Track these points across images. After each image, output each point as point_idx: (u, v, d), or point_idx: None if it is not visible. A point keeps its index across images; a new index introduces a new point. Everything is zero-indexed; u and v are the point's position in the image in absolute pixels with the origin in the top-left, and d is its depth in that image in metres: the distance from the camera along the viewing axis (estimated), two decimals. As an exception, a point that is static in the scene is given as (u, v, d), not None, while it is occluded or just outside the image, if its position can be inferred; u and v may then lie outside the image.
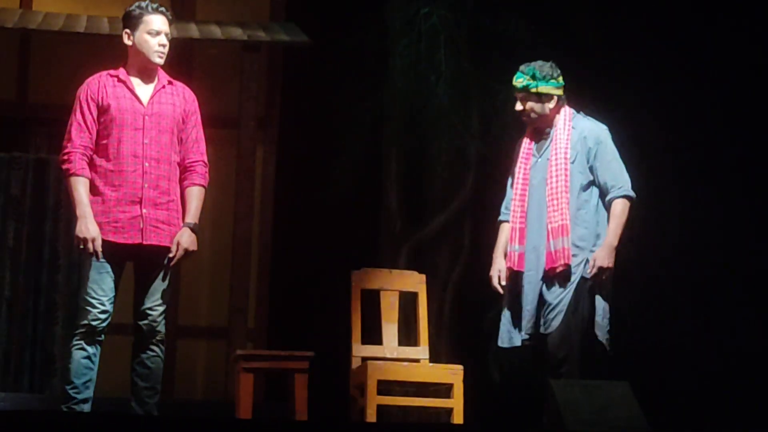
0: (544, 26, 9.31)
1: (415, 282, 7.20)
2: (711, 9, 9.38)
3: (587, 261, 6.50)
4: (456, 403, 6.75)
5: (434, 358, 7.36)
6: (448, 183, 9.54)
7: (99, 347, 6.21)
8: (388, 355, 6.95)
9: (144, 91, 6.18)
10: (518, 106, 6.66)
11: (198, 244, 9.90)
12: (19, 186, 9.75)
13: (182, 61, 9.86)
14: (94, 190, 6.17)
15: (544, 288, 6.47)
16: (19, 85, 9.74)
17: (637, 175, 9.66)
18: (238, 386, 7.05)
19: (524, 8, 9.46)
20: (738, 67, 9.45)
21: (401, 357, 6.98)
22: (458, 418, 6.72)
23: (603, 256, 6.50)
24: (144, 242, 6.11)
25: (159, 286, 6.17)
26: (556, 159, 6.54)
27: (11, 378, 9.57)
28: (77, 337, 6.17)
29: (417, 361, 7.01)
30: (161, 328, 6.23)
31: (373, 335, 7.12)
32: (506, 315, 6.52)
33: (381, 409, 6.69)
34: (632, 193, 6.61)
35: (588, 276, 6.49)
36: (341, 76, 9.33)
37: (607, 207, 6.58)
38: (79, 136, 6.21)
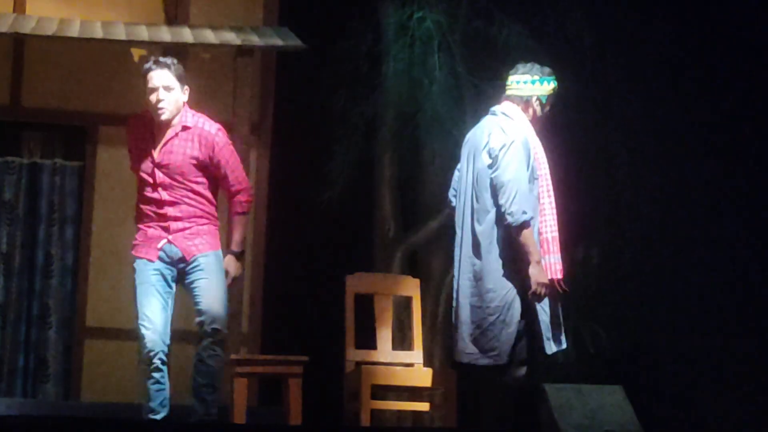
0: (537, 30, 9.32)
1: (409, 286, 7.19)
2: (706, 12, 9.39)
3: None
4: (449, 407, 6.74)
5: (428, 362, 7.36)
6: (441, 187, 9.53)
7: (165, 366, 6.44)
8: (382, 360, 6.95)
9: (160, 140, 6.43)
10: (546, 111, 6.49)
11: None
12: (13, 191, 9.74)
13: (176, 65, 9.87)
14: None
15: (555, 299, 6.37)
16: (13, 90, 9.73)
17: (631, 179, 9.70)
18: (232, 391, 7.04)
19: (518, 12, 9.47)
20: (735, 69, 9.47)
21: (395, 361, 6.98)
22: (451, 423, 6.71)
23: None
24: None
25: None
26: (548, 167, 6.47)
27: (4, 383, 9.56)
28: (141, 368, 6.43)
29: (411, 365, 7.00)
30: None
31: (367, 340, 7.11)
32: (546, 322, 6.33)
33: (375, 413, 6.69)
34: None
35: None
36: (335, 80, 9.33)
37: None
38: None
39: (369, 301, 7.17)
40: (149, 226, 6.40)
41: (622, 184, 9.69)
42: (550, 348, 6.24)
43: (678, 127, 9.56)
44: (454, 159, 9.38)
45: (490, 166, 6.27)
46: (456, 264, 6.41)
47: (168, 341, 6.37)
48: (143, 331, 6.35)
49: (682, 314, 9.45)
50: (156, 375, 6.33)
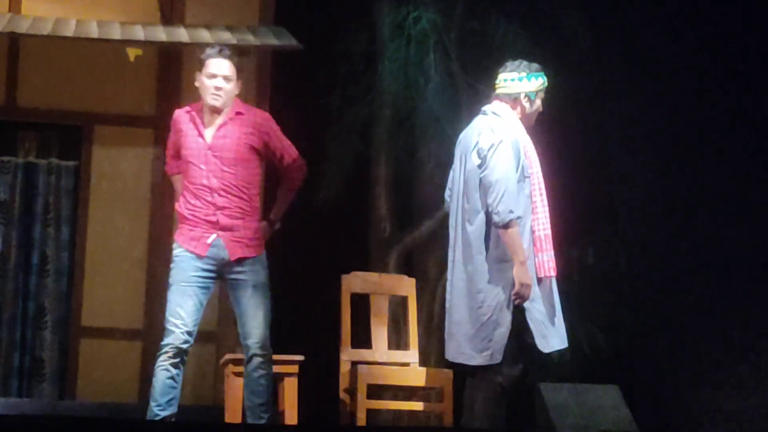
0: (533, 30, 9.32)
1: (405, 286, 7.19)
2: (704, 11, 9.40)
3: None
4: (446, 407, 6.74)
5: (424, 361, 7.36)
6: (437, 187, 9.54)
7: (183, 366, 6.44)
8: (378, 359, 6.95)
9: (212, 127, 6.46)
10: (537, 107, 6.50)
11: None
12: (8, 190, 9.73)
13: (171, 65, 9.86)
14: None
15: (552, 297, 6.36)
16: (8, 89, 9.72)
17: (627, 178, 9.70)
18: (227, 391, 7.04)
19: (514, 12, 9.47)
20: (731, 68, 9.47)
21: (391, 361, 6.98)
22: (448, 422, 6.71)
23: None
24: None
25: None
26: (539, 165, 6.47)
27: (0, 383, 9.55)
28: (162, 358, 6.38)
29: (407, 365, 7.00)
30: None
31: (363, 339, 7.11)
32: (546, 320, 6.32)
33: (371, 413, 6.69)
34: None
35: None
36: (330, 80, 9.34)
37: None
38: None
39: (365, 301, 7.17)
40: (197, 218, 6.38)
41: (617, 183, 9.70)
42: (548, 346, 6.23)
43: (675, 126, 9.56)
44: (450, 159, 9.40)
45: (479, 166, 6.27)
46: (449, 264, 6.42)
47: (192, 342, 6.36)
48: (172, 326, 6.36)
49: (678, 314, 9.46)
50: (173, 370, 6.33)
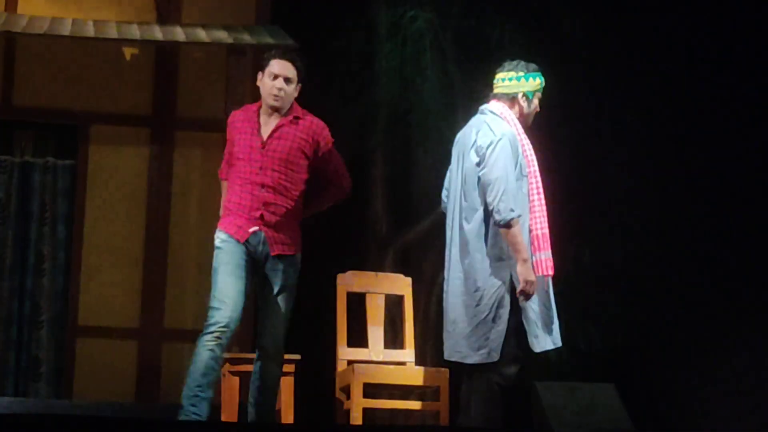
0: (529, 30, 9.33)
1: (401, 285, 7.19)
2: (699, 11, 9.41)
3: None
4: (442, 406, 6.74)
5: (420, 360, 7.36)
6: (433, 186, 9.54)
7: (222, 353, 6.35)
8: (374, 358, 6.94)
9: (268, 127, 6.46)
10: (535, 106, 6.49)
11: (185, 247, 9.92)
12: (4, 189, 9.73)
13: (168, 64, 9.87)
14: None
15: (546, 297, 6.37)
16: (4, 89, 9.72)
17: (622, 177, 9.71)
18: (223, 389, 7.04)
19: (510, 12, 9.48)
20: (730, 66, 9.48)
21: (387, 360, 6.97)
22: (444, 421, 6.72)
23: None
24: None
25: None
26: (537, 164, 6.47)
27: (-4, 382, 9.56)
28: (207, 338, 6.27)
29: (403, 364, 7.00)
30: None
31: (359, 338, 7.11)
32: (539, 320, 6.33)
33: (367, 412, 6.69)
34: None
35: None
36: (327, 79, 9.34)
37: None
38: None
39: (361, 300, 7.17)
40: (243, 211, 6.35)
41: (614, 183, 9.71)
42: (539, 346, 6.24)
43: (673, 124, 9.58)
44: (446, 157, 9.41)
45: (477, 164, 6.28)
46: (446, 263, 6.42)
47: (236, 325, 6.29)
48: (218, 305, 6.26)
49: (673, 312, 9.47)
50: (217, 350, 6.21)
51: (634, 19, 9.48)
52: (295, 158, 6.41)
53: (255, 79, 9.76)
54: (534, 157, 6.39)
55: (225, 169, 6.57)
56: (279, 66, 6.43)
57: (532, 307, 6.22)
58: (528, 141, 6.40)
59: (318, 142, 6.49)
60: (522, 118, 6.44)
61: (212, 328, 6.24)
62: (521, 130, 6.39)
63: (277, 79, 6.40)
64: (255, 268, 6.36)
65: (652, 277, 9.51)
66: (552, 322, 6.29)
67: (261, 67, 6.49)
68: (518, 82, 6.44)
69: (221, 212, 6.48)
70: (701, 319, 9.41)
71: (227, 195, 6.46)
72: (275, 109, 6.43)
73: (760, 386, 9.22)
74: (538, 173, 6.38)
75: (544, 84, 6.47)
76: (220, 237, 6.38)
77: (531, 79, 6.45)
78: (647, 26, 9.50)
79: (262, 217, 6.33)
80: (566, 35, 9.27)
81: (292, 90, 6.44)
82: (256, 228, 6.32)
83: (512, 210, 6.15)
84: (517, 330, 6.21)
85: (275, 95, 6.40)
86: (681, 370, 9.43)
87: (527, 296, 6.16)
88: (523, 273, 6.14)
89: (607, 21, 9.42)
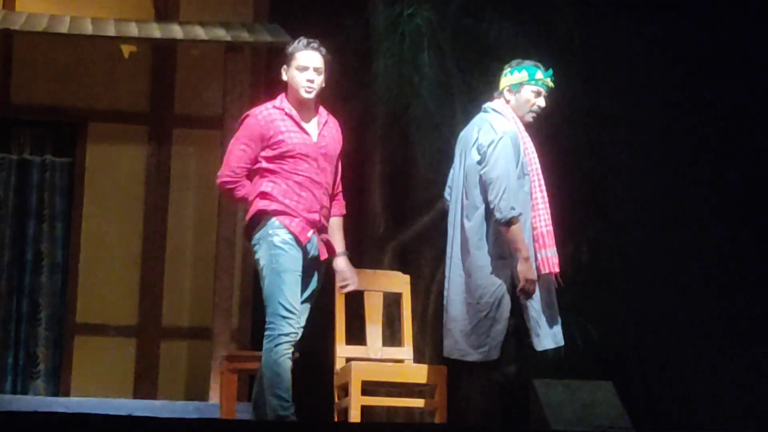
0: (527, 27, 9.33)
1: (400, 283, 7.18)
2: (696, 10, 9.41)
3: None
4: (439, 404, 6.74)
5: (418, 358, 7.36)
6: (431, 184, 9.55)
7: None
8: (372, 356, 6.94)
9: (310, 126, 6.31)
10: (542, 102, 6.47)
11: (183, 244, 9.90)
12: (2, 187, 9.73)
13: (166, 61, 9.86)
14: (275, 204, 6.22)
15: (548, 296, 6.36)
16: (2, 86, 9.72)
17: (621, 175, 9.71)
18: (222, 387, 7.04)
19: (508, 10, 9.48)
20: (728, 65, 9.49)
21: (385, 357, 6.97)
22: (442, 419, 6.72)
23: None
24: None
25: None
26: (538, 162, 6.47)
27: (-6, 379, 9.56)
28: (284, 347, 6.09)
29: (401, 361, 7.00)
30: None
31: (357, 336, 7.11)
32: (541, 319, 6.31)
33: (365, 409, 6.69)
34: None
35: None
36: (325, 77, 9.31)
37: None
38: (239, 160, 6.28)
39: (359, 298, 7.17)
40: (299, 210, 6.14)
41: (611, 179, 9.71)
42: (540, 345, 6.23)
43: (669, 123, 9.58)
44: (445, 156, 9.42)
45: (479, 162, 6.28)
46: (447, 261, 6.42)
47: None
48: (288, 318, 6.05)
49: (671, 310, 9.48)
50: (290, 361, 6.07)
51: (636, 16, 9.48)
52: (335, 159, 6.30)
53: (253, 77, 9.88)
54: (535, 155, 6.39)
55: (244, 170, 6.23)
56: (307, 57, 6.24)
57: (534, 306, 6.22)
58: (529, 139, 6.40)
59: (342, 145, 6.39)
60: (516, 112, 6.43)
61: (287, 338, 6.07)
62: (522, 128, 6.39)
63: (307, 70, 6.22)
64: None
65: (651, 275, 9.51)
66: (555, 321, 6.29)
67: (285, 61, 6.28)
68: (504, 77, 6.48)
69: (263, 206, 6.11)
70: (699, 316, 9.41)
71: (280, 191, 6.12)
72: (307, 102, 6.28)
73: (759, 383, 9.23)
74: (539, 171, 6.38)
75: (536, 79, 6.46)
76: (281, 236, 6.09)
77: (516, 72, 6.45)
78: (646, 24, 9.50)
79: (318, 220, 6.17)
80: (565, 33, 9.26)
81: (321, 80, 6.28)
82: (311, 232, 6.17)
83: (513, 208, 6.15)
84: (518, 329, 6.20)
85: (307, 87, 6.21)
86: (679, 368, 9.44)
87: (527, 295, 6.16)
88: (523, 271, 6.14)
89: (608, 19, 9.41)
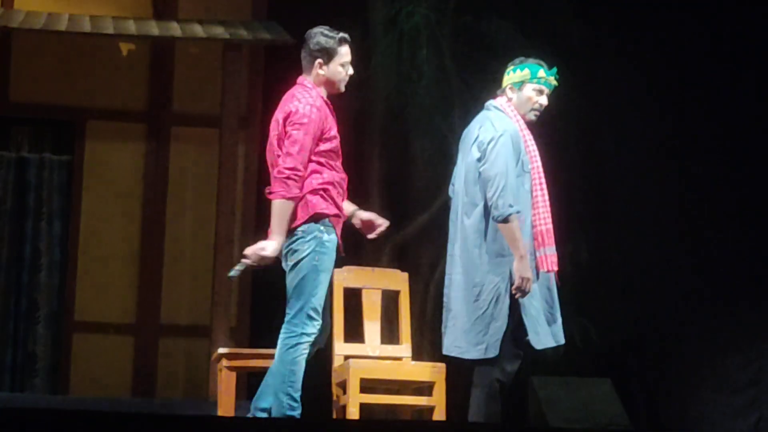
0: (526, 25, 9.33)
1: (398, 280, 7.18)
2: (695, 8, 9.41)
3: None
4: (438, 401, 6.74)
5: (417, 356, 7.36)
6: (430, 181, 9.55)
7: None
8: (371, 354, 6.94)
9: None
10: (545, 101, 6.50)
11: (181, 242, 9.90)
12: (1, 185, 9.73)
13: (164, 59, 9.86)
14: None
15: (549, 294, 6.37)
16: (1, 84, 9.72)
17: (620, 174, 9.71)
18: (220, 385, 7.04)
19: (506, 8, 9.47)
20: (725, 64, 9.48)
21: (384, 355, 6.97)
22: (440, 416, 6.72)
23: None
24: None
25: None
26: (540, 160, 6.47)
27: (-7, 377, 9.56)
28: (304, 346, 6.10)
29: (399, 359, 7.00)
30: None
31: (355, 333, 7.11)
32: (541, 316, 6.33)
33: (364, 407, 6.69)
34: None
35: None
36: (323, 74, 9.31)
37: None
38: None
39: (357, 295, 7.17)
40: (338, 205, 6.17)
41: (610, 178, 9.71)
42: (540, 343, 6.23)
43: (668, 122, 9.57)
44: (443, 153, 9.43)
45: (478, 160, 6.29)
46: (448, 258, 6.43)
47: None
48: (316, 320, 6.07)
49: (670, 308, 9.47)
50: (306, 360, 6.10)
51: (634, 16, 9.48)
52: None
53: (252, 75, 9.87)
54: (537, 153, 6.39)
55: (308, 163, 6.12)
56: (348, 52, 6.26)
57: (533, 304, 6.23)
58: (531, 137, 6.40)
59: None
60: (518, 110, 6.44)
61: (308, 339, 6.08)
62: (524, 126, 6.39)
63: (348, 65, 6.25)
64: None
65: (650, 273, 9.51)
66: (554, 319, 6.28)
67: (319, 56, 6.21)
68: (507, 75, 6.49)
69: (323, 208, 6.10)
70: (698, 314, 9.41)
71: (334, 192, 6.14)
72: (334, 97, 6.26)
73: (755, 383, 9.23)
74: (540, 169, 6.38)
75: (544, 77, 6.47)
76: (329, 237, 6.11)
77: (518, 70, 6.47)
78: (645, 23, 9.49)
79: (342, 215, 6.20)
80: (564, 32, 9.26)
81: None
82: (339, 228, 6.19)
83: (511, 206, 6.15)
84: (517, 326, 6.20)
85: (345, 82, 6.26)
86: (677, 365, 9.44)
87: (523, 293, 6.16)
88: (519, 269, 6.14)
89: (608, 17, 9.41)
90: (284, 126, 6.14)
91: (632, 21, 9.52)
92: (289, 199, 6.10)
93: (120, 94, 9.84)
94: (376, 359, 6.87)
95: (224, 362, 7.00)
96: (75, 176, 9.77)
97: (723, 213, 9.43)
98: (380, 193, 9.66)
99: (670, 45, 9.51)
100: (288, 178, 6.08)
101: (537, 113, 6.45)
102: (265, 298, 9.76)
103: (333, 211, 6.14)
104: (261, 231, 9.83)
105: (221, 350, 7.22)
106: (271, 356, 6.87)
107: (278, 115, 6.24)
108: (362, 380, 6.63)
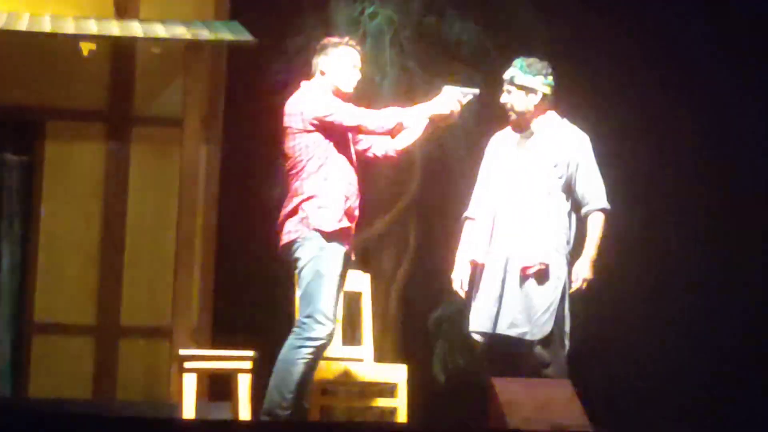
0: (489, 26, 9.35)
1: (360, 281, 7.18)
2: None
3: (565, 268, 6.49)
4: (400, 403, 6.74)
5: (379, 357, 7.37)
6: (393, 182, 9.55)
7: None
8: (332, 355, 6.93)
9: None
10: (502, 98, 6.57)
11: (142, 243, 9.85)
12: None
13: (125, 59, 9.81)
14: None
15: (518, 287, 6.42)
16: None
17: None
18: (180, 387, 7.01)
19: (469, 8, 9.49)
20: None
21: (345, 357, 6.97)
22: (402, 418, 6.72)
23: (586, 269, 6.51)
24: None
25: None
26: (537, 161, 6.50)
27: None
28: (309, 351, 6.10)
29: (361, 360, 7.00)
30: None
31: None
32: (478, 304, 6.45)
33: (324, 409, 6.68)
34: (608, 206, 6.60)
35: (572, 287, 6.51)
36: (285, 75, 9.31)
37: (584, 218, 6.54)
38: None
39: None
40: (346, 209, 6.28)
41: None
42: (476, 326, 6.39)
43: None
44: (405, 154, 9.42)
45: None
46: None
47: None
48: (324, 320, 6.06)
49: (631, 308, 9.51)
50: (315, 364, 6.13)
51: (596, 16, 9.51)
52: None
53: (214, 76, 9.84)
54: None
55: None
56: (358, 56, 6.35)
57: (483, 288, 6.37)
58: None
59: None
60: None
61: (316, 343, 6.08)
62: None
63: (356, 68, 6.34)
64: None
65: (610, 272, 9.54)
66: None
67: (338, 51, 6.34)
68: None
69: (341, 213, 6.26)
70: (660, 314, 9.45)
71: (346, 190, 6.36)
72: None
73: (720, 383, 9.29)
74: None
75: (506, 77, 6.58)
76: (332, 242, 6.16)
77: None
78: (609, 22, 9.53)
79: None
80: (526, 31, 9.28)
81: None
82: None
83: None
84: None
85: (354, 84, 6.33)
86: (637, 365, 9.47)
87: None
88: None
89: (570, 16, 9.44)
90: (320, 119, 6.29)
91: (596, 20, 9.55)
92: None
93: (81, 94, 9.78)
94: (337, 360, 6.86)
95: (185, 364, 6.98)
96: (35, 177, 9.71)
97: (690, 208, 9.48)
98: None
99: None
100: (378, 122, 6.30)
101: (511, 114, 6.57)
102: (227, 299, 9.74)
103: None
104: (223, 231, 9.85)
105: (182, 352, 7.19)
106: (233, 358, 6.86)
107: (292, 109, 6.48)
108: (323, 382, 6.63)
